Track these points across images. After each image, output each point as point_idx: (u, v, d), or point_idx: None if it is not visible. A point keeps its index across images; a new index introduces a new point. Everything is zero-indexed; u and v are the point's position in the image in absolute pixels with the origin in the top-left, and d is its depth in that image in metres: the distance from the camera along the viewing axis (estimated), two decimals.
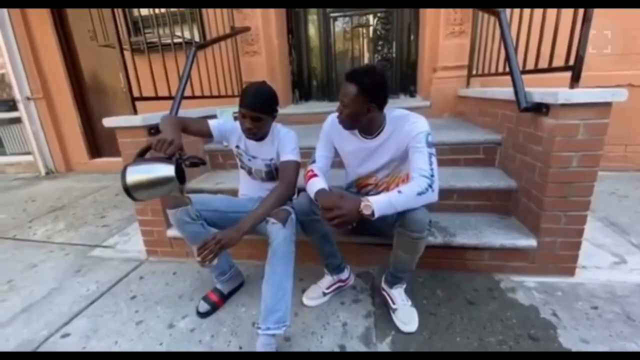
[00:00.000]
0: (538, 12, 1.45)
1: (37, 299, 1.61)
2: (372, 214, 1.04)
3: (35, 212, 2.85)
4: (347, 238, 1.53)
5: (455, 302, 1.37)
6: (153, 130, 1.67)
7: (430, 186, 1.07)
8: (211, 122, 1.41)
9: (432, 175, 1.08)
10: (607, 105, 1.19)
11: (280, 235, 1.17)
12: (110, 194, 3.16)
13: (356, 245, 1.58)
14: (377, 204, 1.04)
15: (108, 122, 1.67)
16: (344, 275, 1.46)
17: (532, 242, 1.42)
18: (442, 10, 2.55)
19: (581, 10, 1.21)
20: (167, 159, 1.06)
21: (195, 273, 1.72)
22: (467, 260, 1.52)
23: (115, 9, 1.60)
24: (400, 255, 1.21)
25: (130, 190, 1.03)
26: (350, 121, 1.21)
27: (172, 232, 1.79)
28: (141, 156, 1.12)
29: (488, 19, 2.09)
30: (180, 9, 2.37)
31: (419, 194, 1.05)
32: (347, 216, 1.05)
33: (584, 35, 1.17)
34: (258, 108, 1.24)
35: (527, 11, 1.55)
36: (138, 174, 1.04)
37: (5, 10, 3.60)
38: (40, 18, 3.62)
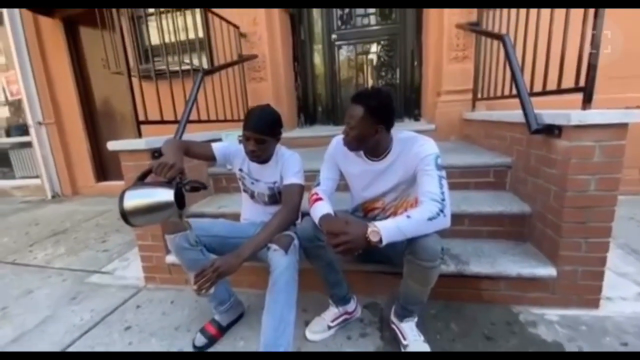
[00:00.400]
0: (543, 33, 1.45)
1: (30, 328, 1.54)
2: (380, 240, 0.97)
3: (37, 235, 2.83)
4: (354, 266, 1.46)
5: (471, 338, 1.27)
6: (157, 153, 1.66)
7: (441, 211, 1.01)
8: (214, 145, 1.40)
9: (443, 200, 1.03)
10: (623, 126, 1.15)
11: (282, 262, 1.11)
12: (113, 218, 3.13)
13: (363, 273, 1.50)
14: (385, 230, 0.98)
15: (112, 145, 1.67)
16: (350, 306, 1.37)
17: (551, 271, 1.33)
18: (445, 37, 2.60)
19: (589, 30, 1.20)
20: (167, 183, 1.04)
21: (193, 302, 1.64)
22: (482, 290, 1.42)
23: (127, 38, 1.65)
24: (411, 286, 1.12)
25: (127, 216, 0.99)
26: (356, 143, 1.18)
27: (171, 258, 1.73)
28: (141, 180, 1.10)
29: (491, 43, 2.12)
30: (190, 38, 2.46)
31: (430, 219, 0.99)
32: (353, 242, 0.99)
33: (594, 56, 1.16)
34: (262, 130, 1.22)
35: (531, 33, 1.55)
36: (136, 198, 1.01)
37: (23, 39, 3.78)
38: (57, 47, 3.79)
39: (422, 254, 1.01)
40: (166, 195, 1.00)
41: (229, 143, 1.46)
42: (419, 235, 1.01)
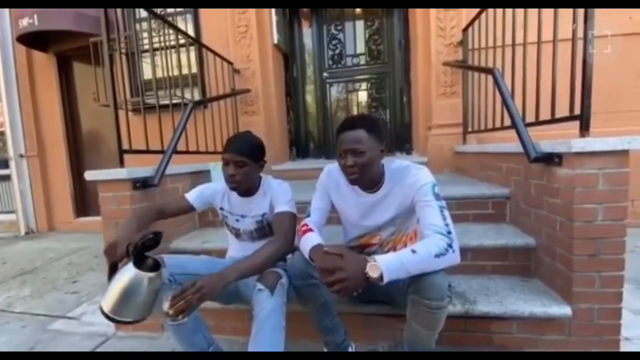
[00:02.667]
0: (531, 64, 1.48)
1: None
2: (381, 277, 0.86)
3: (2, 275, 2.57)
4: (350, 308, 1.31)
5: None
6: (138, 184, 1.55)
7: (449, 246, 0.91)
8: (189, 195, 1.32)
9: (449, 232, 0.93)
10: (625, 153, 1.12)
11: (267, 305, 0.97)
12: (89, 256, 2.91)
13: (361, 316, 1.35)
14: (387, 265, 0.86)
15: (90, 175, 1.56)
16: None
17: (566, 310, 1.21)
18: (433, 74, 2.69)
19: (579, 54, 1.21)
20: (127, 262, 0.95)
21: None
22: (492, 333, 1.29)
23: (121, 73, 1.62)
24: (416, 330, 0.99)
25: (111, 315, 0.91)
26: (366, 171, 1.06)
27: None
28: (111, 276, 1.00)
29: (479, 78, 2.18)
30: (183, 74, 2.48)
31: (437, 255, 0.89)
32: (351, 280, 0.86)
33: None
34: (241, 152, 1.16)
35: (519, 65, 1.59)
36: (108, 294, 0.92)
37: (13, 72, 3.78)
38: (48, 81, 3.79)
39: (428, 293, 0.90)
40: (128, 272, 0.92)
41: (203, 186, 1.37)
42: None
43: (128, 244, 0.94)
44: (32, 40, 3.39)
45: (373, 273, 0.86)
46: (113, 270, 0.99)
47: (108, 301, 0.92)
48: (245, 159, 1.16)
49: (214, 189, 1.33)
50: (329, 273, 0.89)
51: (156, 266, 0.98)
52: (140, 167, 1.60)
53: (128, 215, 1.15)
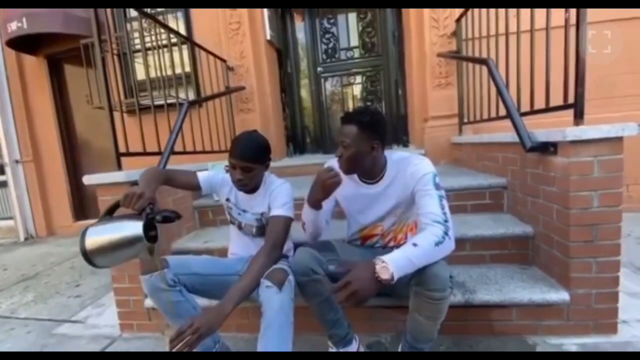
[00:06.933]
0: (525, 53, 1.48)
1: None
2: (392, 277, 0.87)
3: (4, 282, 2.58)
4: None
5: None
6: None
7: (446, 233, 0.93)
8: (200, 175, 1.33)
9: (446, 221, 0.95)
10: (619, 140, 1.13)
11: (276, 301, 0.99)
12: None
13: (364, 309, 1.37)
14: (394, 263, 0.87)
15: (88, 179, 1.57)
16: (352, 348, 1.22)
17: (564, 296, 1.24)
18: (427, 66, 2.69)
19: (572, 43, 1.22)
20: (137, 216, 0.93)
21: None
22: (493, 321, 1.31)
23: (114, 74, 1.61)
24: (419, 321, 1.01)
25: (89, 255, 0.88)
26: (352, 164, 1.11)
27: (151, 302, 1.56)
28: (109, 214, 0.99)
29: (473, 69, 2.18)
30: (177, 73, 2.46)
31: (437, 244, 0.91)
32: (363, 289, 0.87)
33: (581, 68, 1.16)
34: (249, 158, 1.15)
35: (513, 54, 1.59)
36: (100, 234, 0.90)
37: (4, 78, 3.73)
38: (39, 84, 3.74)
39: (430, 284, 0.92)
40: (133, 228, 0.89)
41: (214, 172, 1.38)
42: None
43: (149, 204, 0.93)
44: (21, 43, 3.33)
45: (384, 275, 0.87)
46: (112, 211, 0.99)
47: (96, 240, 0.89)
48: (252, 164, 1.15)
49: (223, 179, 1.34)
50: (341, 289, 0.88)
51: (152, 234, 0.94)
52: (137, 170, 1.59)
53: (149, 172, 1.14)
